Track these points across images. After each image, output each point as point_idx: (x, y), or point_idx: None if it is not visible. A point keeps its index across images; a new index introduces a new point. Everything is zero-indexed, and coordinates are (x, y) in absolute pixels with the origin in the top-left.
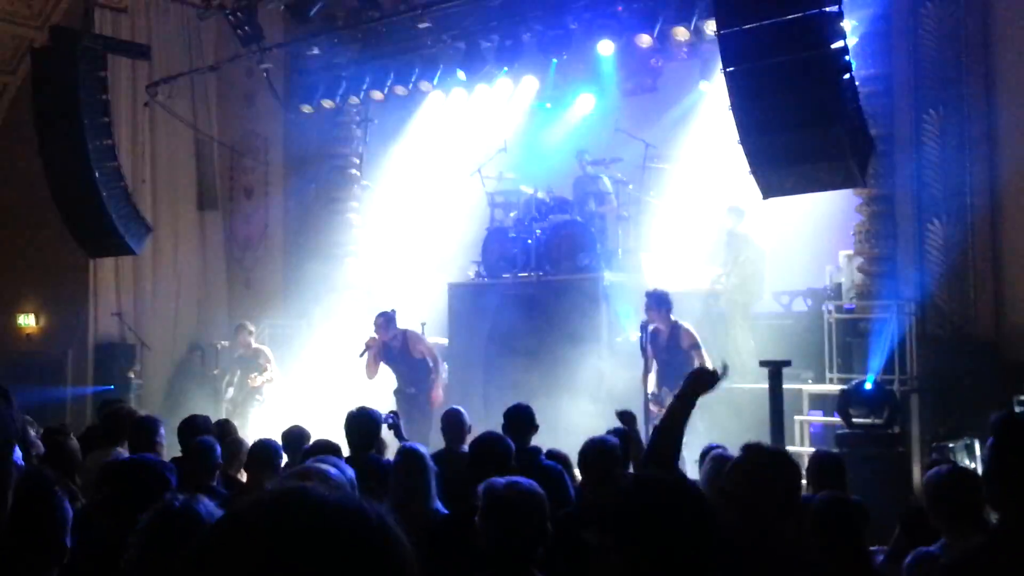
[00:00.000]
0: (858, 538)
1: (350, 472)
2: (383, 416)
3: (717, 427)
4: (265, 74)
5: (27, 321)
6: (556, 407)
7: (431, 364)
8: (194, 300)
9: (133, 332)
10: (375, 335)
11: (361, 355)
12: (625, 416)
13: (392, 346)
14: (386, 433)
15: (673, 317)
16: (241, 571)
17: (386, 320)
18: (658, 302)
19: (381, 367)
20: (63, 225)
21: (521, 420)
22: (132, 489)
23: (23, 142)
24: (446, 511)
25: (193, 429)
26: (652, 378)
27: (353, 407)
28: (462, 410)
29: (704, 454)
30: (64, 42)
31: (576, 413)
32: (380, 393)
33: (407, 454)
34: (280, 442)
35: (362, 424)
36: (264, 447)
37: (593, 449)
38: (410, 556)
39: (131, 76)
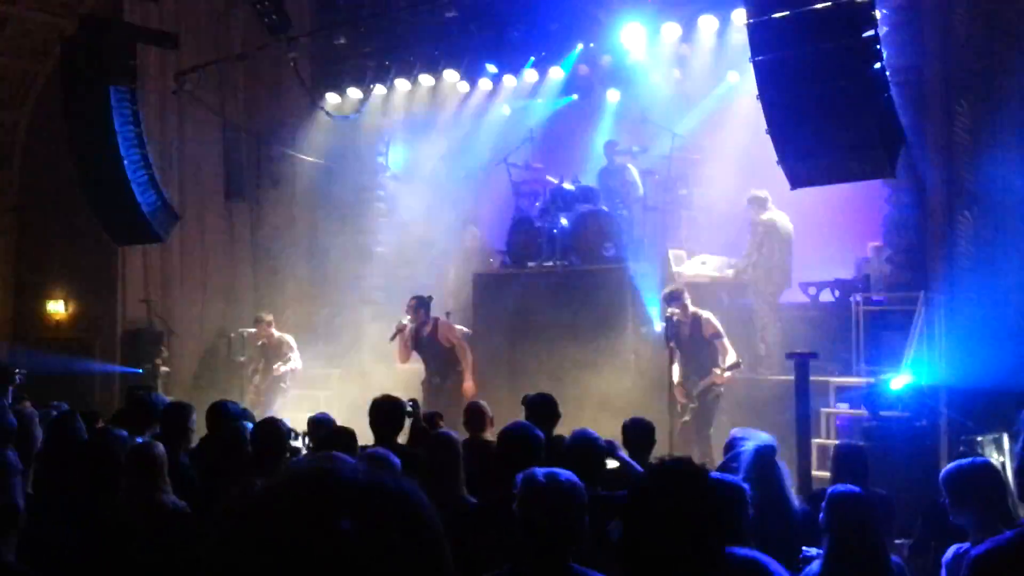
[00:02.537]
0: (877, 531)
1: (396, 461)
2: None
3: (742, 419)
4: (292, 63)
5: (56, 308)
6: (582, 396)
7: (459, 355)
8: (221, 288)
9: (160, 319)
10: (405, 319)
11: (392, 339)
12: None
13: (423, 332)
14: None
15: (692, 308)
16: (273, 548)
17: (417, 304)
18: (670, 300)
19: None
20: (92, 213)
21: (545, 409)
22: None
23: (53, 130)
24: (474, 500)
25: (223, 415)
26: (676, 368)
27: (378, 395)
28: (482, 402)
29: (728, 444)
30: (94, 31)
31: (602, 403)
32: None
33: (440, 441)
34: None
35: (387, 412)
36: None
37: (578, 442)
38: (439, 532)
39: (159, 65)
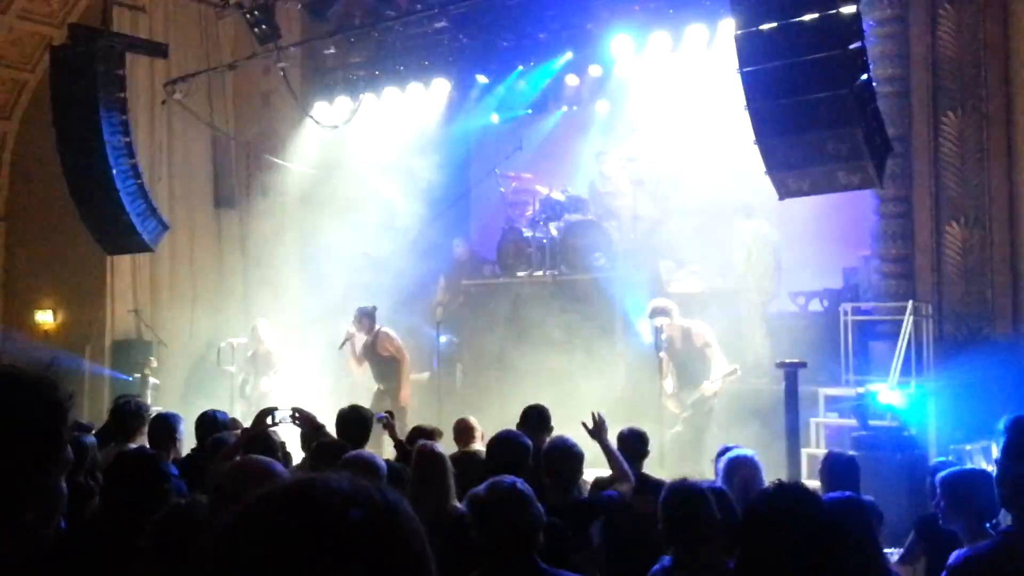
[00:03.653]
0: (874, 538)
1: (381, 464)
2: (376, 415)
3: (733, 428)
4: (282, 73)
5: (45, 317)
6: (573, 406)
7: (397, 364)
8: (210, 298)
9: (150, 329)
10: (352, 329)
11: (340, 347)
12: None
13: (367, 343)
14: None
15: (680, 319)
16: (254, 564)
17: (360, 315)
18: (655, 315)
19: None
20: (81, 222)
21: (537, 419)
22: (129, 483)
23: (42, 139)
24: (463, 509)
25: (210, 425)
26: (669, 379)
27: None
28: (470, 418)
29: (720, 454)
30: (83, 40)
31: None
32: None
33: (424, 453)
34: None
35: (352, 423)
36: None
37: (555, 449)
38: (422, 541)
39: (149, 74)
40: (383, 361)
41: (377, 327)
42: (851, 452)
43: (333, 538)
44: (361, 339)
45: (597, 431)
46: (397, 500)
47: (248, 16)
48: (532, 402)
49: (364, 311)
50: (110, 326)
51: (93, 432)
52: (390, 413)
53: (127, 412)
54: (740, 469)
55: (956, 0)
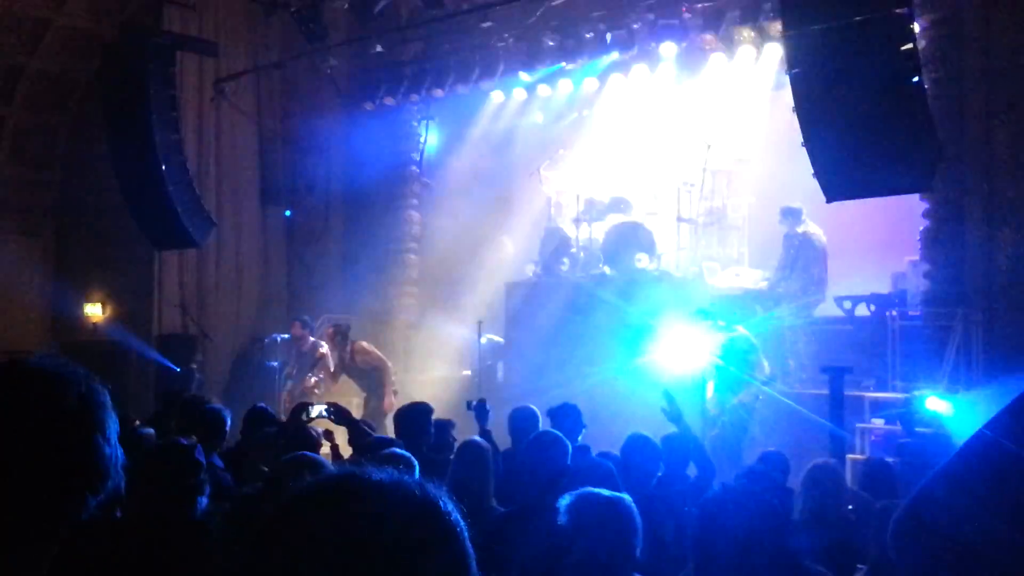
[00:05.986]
0: None
1: (414, 462)
2: (470, 403)
3: (775, 433)
4: (329, 71)
5: (94, 311)
6: (615, 406)
7: (379, 374)
8: (255, 293)
9: (195, 324)
10: (323, 347)
11: (312, 366)
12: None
13: (344, 358)
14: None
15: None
16: (301, 552)
17: (334, 332)
18: (704, 316)
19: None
20: (130, 217)
21: (568, 419)
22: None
23: (93, 136)
24: (501, 509)
25: (258, 419)
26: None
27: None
28: (535, 408)
29: (762, 459)
30: (134, 38)
31: (635, 413)
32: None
33: (467, 448)
34: None
35: (411, 419)
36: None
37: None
38: (462, 536)
39: (198, 72)
40: (365, 373)
41: (351, 342)
42: (889, 458)
43: (373, 530)
44: (334, 355)
45: (677, 417)
46: (437, 494)
47: (296, 15)
48: (574, 401)
49: (337, 329)
50: (157, 320)
51: (138, 422)
52: (483, 400)
53: (190, 408)
54: (823, 479)
55: (1009, 2)
